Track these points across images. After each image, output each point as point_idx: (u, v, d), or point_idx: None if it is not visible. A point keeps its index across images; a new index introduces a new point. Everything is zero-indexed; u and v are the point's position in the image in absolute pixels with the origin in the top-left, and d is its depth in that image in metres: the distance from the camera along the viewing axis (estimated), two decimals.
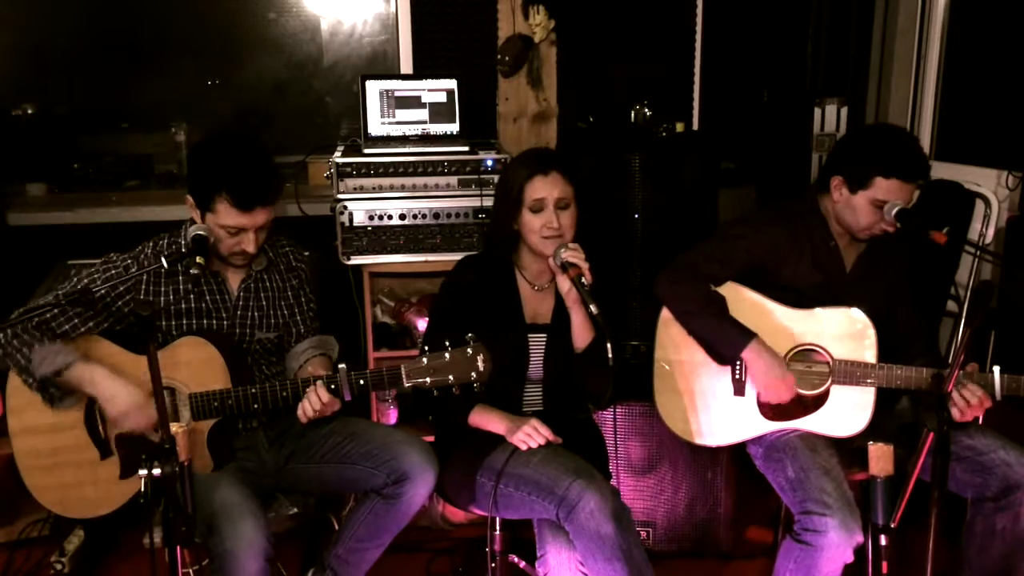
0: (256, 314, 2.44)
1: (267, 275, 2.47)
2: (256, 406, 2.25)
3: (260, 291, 2.45)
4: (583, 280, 2.30)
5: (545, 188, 2.38)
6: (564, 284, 2.39)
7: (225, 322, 2.39)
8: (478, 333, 2.37)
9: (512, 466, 2.29)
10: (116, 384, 2.22)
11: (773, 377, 2.39)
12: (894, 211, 2.35)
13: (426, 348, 2.21)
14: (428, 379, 2.18)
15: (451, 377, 2.17)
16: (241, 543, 2.07)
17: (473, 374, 2.17)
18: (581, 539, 2.20)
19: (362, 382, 2.23)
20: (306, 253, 2.60)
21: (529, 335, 2.48)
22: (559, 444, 2.35)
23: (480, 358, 2.16)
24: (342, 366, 2.24)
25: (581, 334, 2.44)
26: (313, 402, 2.22)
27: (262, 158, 2.31)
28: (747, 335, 2.40)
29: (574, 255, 2.33)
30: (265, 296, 2.46)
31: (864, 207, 2.38)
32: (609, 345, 2.20)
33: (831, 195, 2.45)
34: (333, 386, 2.22)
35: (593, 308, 2.26)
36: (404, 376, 2.19)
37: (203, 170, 2.27)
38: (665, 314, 2.54)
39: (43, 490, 2.33)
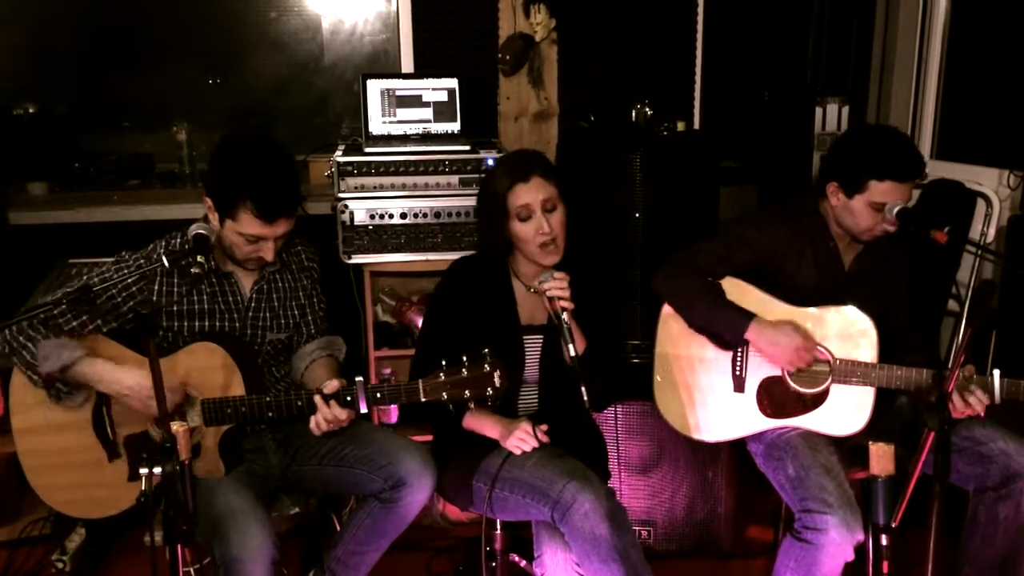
0: (267, 315, 2.43)
1: (279, 276, 2.46)
2: (271, 414, 2.24)
3: (272, 292, 2.44)
4: (564, 316, 2.25)
5: (529, 194, 2.34)
6: (549, 311, 2.35)
7: (237, 323, 2.38)
8: (473, 336, 2.37)
9: (507, 469, 2.29)
10: (120, 371, 2.22)
11: (787, 347, 2.36)
12: (895, 210, 2.35)
13: (443, 363, 2.19)
14: (445, 394, 2.18)
15: (467, 392, 2.17)
16: (249, 550, 2.07)
17: (489, 390, 2.17)
18: (576, 541, 2.20)
19: (379, 395, 2.22)
20: (316, 252, 2.58)
21: (525, 337, 2.47)
22: (549, 444, 2.34)
23: (497, 374, 2.17)
24: (359, 379, 2.22)
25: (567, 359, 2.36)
26: (326, 415, 2.21)
27: (288, 168, 2.27)
28: (746, 316, 2.38)
29: (557, 288, 2.28)
30: (277, 297, 2.45)
31: (863, 211, 2.39)
32: (584, 388, 2.17)
33: (829, 200, 2.46)
34: (349, 398, 2.22)
35: (571, 348, 2.22)
36: (422, 391, 2.18)
37: (228, 176, 2.23)
38: (666, 310, 2.54)
39: (48, 490, 2.32)
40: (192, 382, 2.27)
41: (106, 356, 2.27)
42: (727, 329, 2.42)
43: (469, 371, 2.17)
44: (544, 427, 2.35)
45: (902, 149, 2.37)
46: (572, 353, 2.22)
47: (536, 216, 2.34)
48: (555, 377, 2.46)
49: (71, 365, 2.19)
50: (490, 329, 2.41)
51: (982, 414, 2.28)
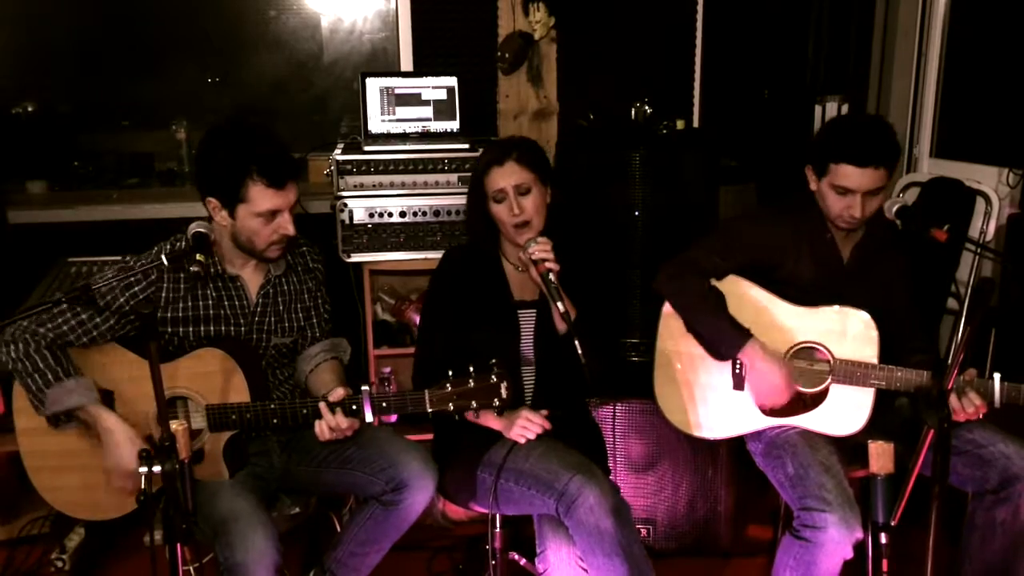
0: (273, 319, 2.42)
1: (285, 279, 2.45)
2: (275, 421, 2.24)
3: (278, 295, 2.43)
4: (551, 277, 2.32)
5: (503, 178, 2.41)
6: (536, 278, 2.39)
7: (243, 328, 2.37)
8: (469, 313, 2.42)
9: (512, 461, 2.29)
10: (109, 416, 2.20)
11: (766, 382, 2.40)
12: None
13: (448, 372, 2.18)
14: (451, 404, 2.17)
15: (474, 403, 2.17)
16: (252, 554, 2.06)
17: (496, 400, 2.16)
18: (580, 534, 2.20)
19: (384, 405, 2.21)
20: (321, 253, 2.58)
21: (518, 311, 2.50)
22: (551, 434, 2.35)
23: (504, 385, 2.16)
24: (365, 388, 2.22)
25: (560, 318, 2.41)
26: (330, 423, 2.20)
27: (274, 134, 2.31)
28: (743, 335, 2.40)
29: (541, 250, 2.35)
30: (283, 301, 2.44)
31: (829, 193, 2.40)
32: (578, 342, 2.22)
33: (809, 185, 2.48)
34: (355, 407, 2.21)
35: (560, 306, 2.29)
36: (428, 402, 2.18)
37: (225, 162, 2.23)
38: (667, 307, 2.54)
39: (52, 491, 2.32)
40: (195, 387, 2.27)
41: (116, 365, 2.28)
42: (723, 341, 2.43)
43: (476, 382, 2.16)
44: (544, 412, 2.38)
45: (863, 134, 2.36)
46: (562, 310, 2.28)
47: (509, 199, 2.41)
48: (550, 356, 2.48)
49: (77, 410, 2.20)
50: (485, 306, 2.46)
51: (974, 418, 2.27)
